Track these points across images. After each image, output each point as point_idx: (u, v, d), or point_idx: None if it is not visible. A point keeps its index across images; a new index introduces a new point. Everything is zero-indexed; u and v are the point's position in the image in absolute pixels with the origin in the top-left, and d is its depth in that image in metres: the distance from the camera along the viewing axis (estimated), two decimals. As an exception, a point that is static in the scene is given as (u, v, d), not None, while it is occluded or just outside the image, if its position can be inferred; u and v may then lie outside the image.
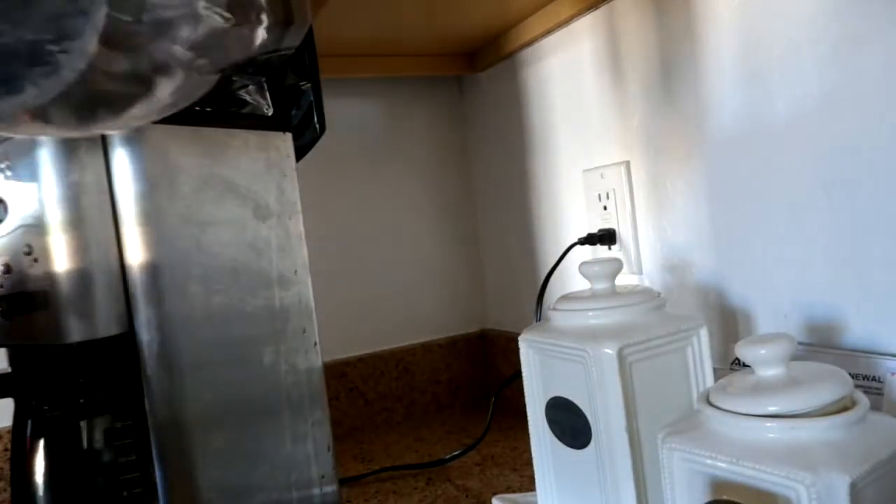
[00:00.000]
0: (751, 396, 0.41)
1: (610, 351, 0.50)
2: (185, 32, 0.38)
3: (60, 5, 0.33)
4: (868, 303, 0.55)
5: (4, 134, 0.45)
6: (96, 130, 0.45)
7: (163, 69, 0.40)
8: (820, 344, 0.59)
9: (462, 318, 1.12)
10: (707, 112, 0.67)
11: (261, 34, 0.44)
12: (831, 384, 0.40)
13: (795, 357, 0.43)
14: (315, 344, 0.59)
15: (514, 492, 0.72)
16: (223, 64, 0.45)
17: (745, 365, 0.45)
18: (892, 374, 0.52)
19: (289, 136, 0.59)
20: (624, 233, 0.79)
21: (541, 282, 0.81)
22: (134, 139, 0.49)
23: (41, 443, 0.51)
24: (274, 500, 0.56)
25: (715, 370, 0.55)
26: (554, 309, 0.58)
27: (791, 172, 0.60)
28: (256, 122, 0.57)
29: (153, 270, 0.49)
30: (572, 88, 0.87)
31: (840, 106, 0.55)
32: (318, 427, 0.59)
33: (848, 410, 0.39)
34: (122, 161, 0.48)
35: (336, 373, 1.00)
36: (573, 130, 0.88)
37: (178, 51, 0.39)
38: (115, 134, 0.48)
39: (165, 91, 0.41)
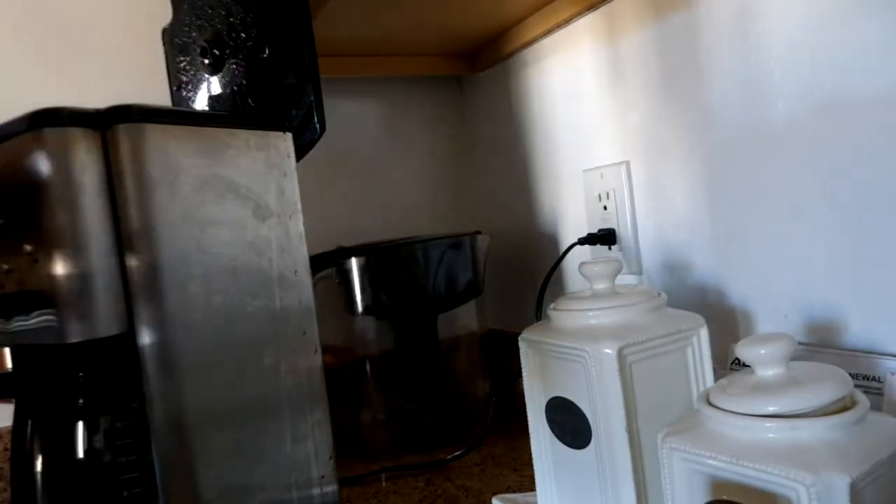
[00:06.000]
0: (751, 396, 0.41)
1: (610, 351, 0.50)
2: None
3: None
4: (868, 303, 0.55)
5: None
6: None
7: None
8: (820, 344, 0.59)
9: (462, 318, 1.12)
10: (707, 112, 0.67)
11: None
12: (831, 384, 0.40)
13: (795, 357, 0.43)
14: (315, 346, 0.59)
15: (514, 492, 0.72)
16: None
17: (745, 365, 0.45)
18: (892, 374, 0.52)
19: (289, 136, 0.59)
20: (624, 233, 0.79)
21: (541, 282, 0.81)
22: (134, 139, 0.49)
23: (41, 443, 0.51)
24: (274, 501, 0.55)
25: (715, 370, 0.55)
26: (554, 309, 0.58)
27: (791, 172, 0.60)
28: (256, 121, 0.57)
29: (153, 270, 0.49)
30: (572, 88, 0.87)
31: (840, 105, 0.55)
32: (318, 427, 0.59)
33: (848, 410, 0.39)
34: (121, 161, 0.48)
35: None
36: (573, 130, 0.88)
37: None
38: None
39: None
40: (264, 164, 0.57)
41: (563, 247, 0.84)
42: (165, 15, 0.70)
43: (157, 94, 0.73)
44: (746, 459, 0.38)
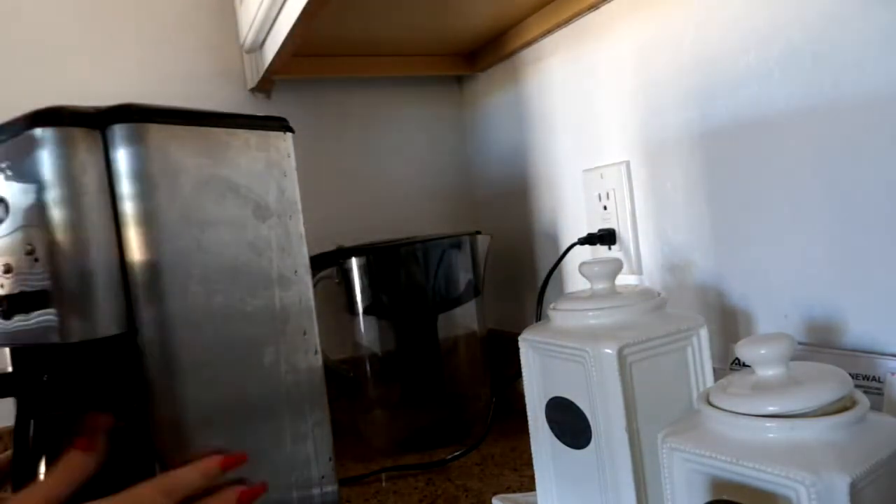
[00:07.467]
0: (751, 396, 0.41)
1: (610, 351, 0.50)
2: None
3: None
4: (868, 303, 0.55)
5: None
6: None
7: None
8: (820, 344, 0.59)
9: (462, 318, 1.12)
10: (707, 111, 0.67)
11: None
12: (831, 384, 0.40)
13: (795, 357, 0.43)
14: (315, 346, 0.59)
15: (514, 492, 0.72)
16: None
17: (745, 365, 0.45)
18: (892, 374, 0.52)
19: (289, 136, 0.59)
20: (624, 233, 0.79)
21: (541, 282, 0.81)
22: (134, 139, 0.49)
23: (41, 443, 0.51)
24: (274, 501, 0.55)
25: (715, 370, 0.55)
26: (554, 309, 0.58)
27: (791, 172, 0.60)
28: (256, 121, 0.57)
29: (153, 270, 0.49)
30: (572, 88, 0.87)
31: (840, 105, 0.55)
32: (318, 427, 0.59)
33: (848, 410, 0.39)
34: (122, 161, 0.48)
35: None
36: (573, 130, 0.88)
37: None
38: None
39: None
40: (264, 163, 0.57)
41: (563, 247, 0.84)
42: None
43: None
44: (746, 459, 0.38)
